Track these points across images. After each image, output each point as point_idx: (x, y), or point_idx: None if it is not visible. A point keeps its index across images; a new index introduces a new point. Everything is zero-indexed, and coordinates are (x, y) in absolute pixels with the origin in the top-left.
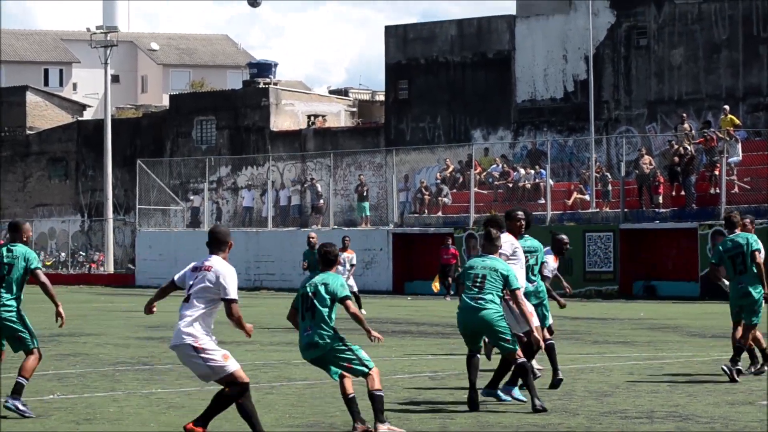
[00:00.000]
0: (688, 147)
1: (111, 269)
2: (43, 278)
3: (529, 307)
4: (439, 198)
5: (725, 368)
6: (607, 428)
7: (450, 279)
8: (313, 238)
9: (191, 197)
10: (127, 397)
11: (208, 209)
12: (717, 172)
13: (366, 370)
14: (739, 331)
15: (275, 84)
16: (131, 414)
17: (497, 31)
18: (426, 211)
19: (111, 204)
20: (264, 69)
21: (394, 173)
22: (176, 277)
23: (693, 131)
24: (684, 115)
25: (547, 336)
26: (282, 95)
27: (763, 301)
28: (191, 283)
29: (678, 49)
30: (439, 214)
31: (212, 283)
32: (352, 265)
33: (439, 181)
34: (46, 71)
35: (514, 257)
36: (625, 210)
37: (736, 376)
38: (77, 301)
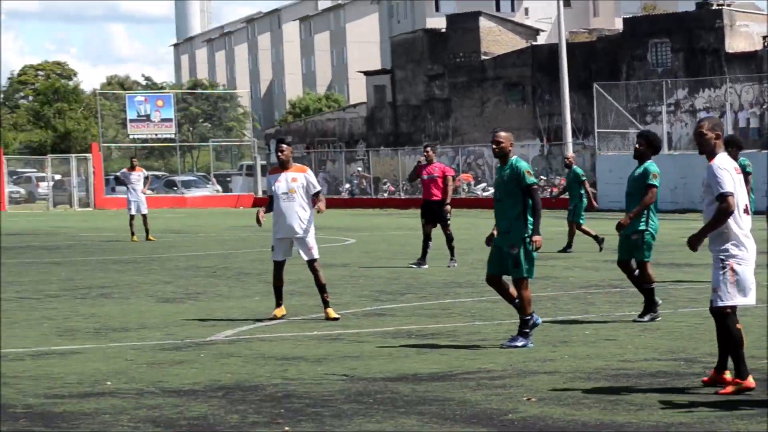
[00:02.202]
0: None
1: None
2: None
3: None
4: None
5: None
6: None
7: None
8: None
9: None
10: (601, 321)
11: (665, 132)
12: None
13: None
14: None
15: (728, 5)
16: (606, 337)
17: None
18: None
19: (569, 128)
20: None
21: None
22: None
23: None
24: None
25: None
26: (736, 16)
27: None
28: None
29: None
30: None
31: None
32: None
33: None
34: None
35: None
36: None
37: None
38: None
